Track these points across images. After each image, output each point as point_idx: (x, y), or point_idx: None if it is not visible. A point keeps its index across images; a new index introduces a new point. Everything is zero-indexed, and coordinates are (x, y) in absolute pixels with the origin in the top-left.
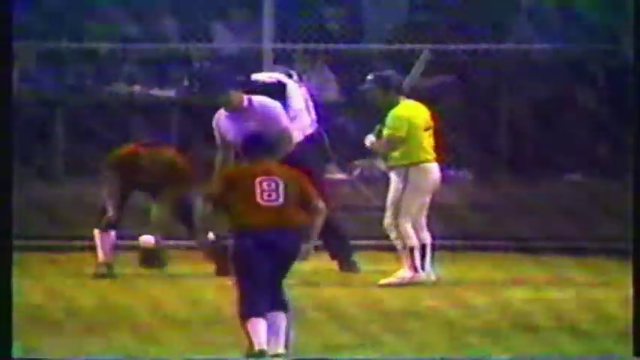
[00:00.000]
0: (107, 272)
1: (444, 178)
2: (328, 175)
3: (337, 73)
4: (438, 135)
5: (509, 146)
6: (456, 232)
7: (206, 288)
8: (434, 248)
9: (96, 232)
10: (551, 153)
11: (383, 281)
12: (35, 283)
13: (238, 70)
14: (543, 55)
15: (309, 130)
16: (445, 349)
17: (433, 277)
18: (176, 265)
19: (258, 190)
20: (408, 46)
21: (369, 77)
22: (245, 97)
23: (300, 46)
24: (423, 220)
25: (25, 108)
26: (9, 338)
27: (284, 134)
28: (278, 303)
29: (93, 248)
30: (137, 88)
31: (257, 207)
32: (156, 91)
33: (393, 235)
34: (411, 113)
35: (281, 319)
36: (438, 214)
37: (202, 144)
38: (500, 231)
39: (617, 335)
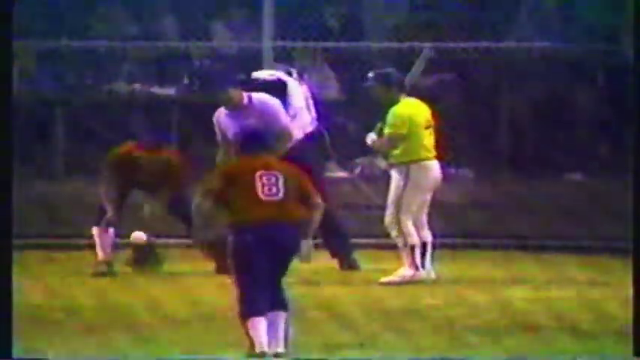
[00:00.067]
0: (107, 270)
1: (445, 176)
2: (329, 174)
3: (337, 71)
4: (438, 133)
5: (509, 144)
6: (457, 230)
7: (206, 286)
8: (434, 246)
9: (95, 230)
10: (551, 151)
11: (383, 280)
12: (35, 282)
13: (238, 69)
14: (544, 54)
15: (310, 128)
16: (445, 348)
17: (433, 276)
18: (176, 263)
19: (258, 185)
20: (408, 44)
21: (370, 75)
22: (245, 94)
23: (300, 44)
24: (424, 218)
25: (25, 107)
26: (9, 338)
27: (283, 131)
28: (278, 302)
29: (92, 247)
30: (137, 86)
31: (258, 201)
32: (156, 90)
33: (393, 232)
34: (412, 111)
35: (281, 318)
36: (439, 212)
37: (203, 142)
38: (500, 229)
39: (617, 335)
